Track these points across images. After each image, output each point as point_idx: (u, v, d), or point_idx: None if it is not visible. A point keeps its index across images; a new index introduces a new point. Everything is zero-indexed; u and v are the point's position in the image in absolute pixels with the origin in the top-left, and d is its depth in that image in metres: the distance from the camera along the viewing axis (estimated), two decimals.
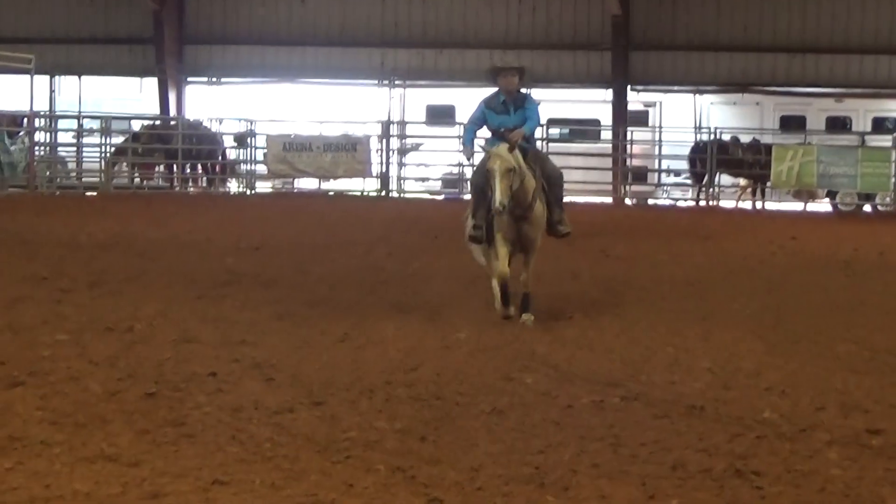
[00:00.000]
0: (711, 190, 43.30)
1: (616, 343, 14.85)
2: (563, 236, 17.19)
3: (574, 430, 10.58)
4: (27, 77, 42.37)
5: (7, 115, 42.66)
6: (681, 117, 47.04)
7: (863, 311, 17.74)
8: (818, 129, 45.19)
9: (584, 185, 43.54)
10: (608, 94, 46.55)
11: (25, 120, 42.52)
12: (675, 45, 46.79)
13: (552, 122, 45.74)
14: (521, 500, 8.62)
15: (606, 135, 46.54)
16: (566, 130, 47.43)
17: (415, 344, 14.41)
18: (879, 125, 45.89)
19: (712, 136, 43.50)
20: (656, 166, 47.04)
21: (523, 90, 17.19)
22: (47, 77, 48.46)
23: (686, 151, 44.81)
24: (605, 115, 46.72)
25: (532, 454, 9.78)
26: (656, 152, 46.77)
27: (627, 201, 43.63)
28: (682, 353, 14.21)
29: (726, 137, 43.59)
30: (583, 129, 47.49)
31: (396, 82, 48.27)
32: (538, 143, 22.49)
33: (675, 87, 47.45)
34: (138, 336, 14.39)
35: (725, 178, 44.13)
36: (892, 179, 40.68)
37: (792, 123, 46.21)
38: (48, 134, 45.15)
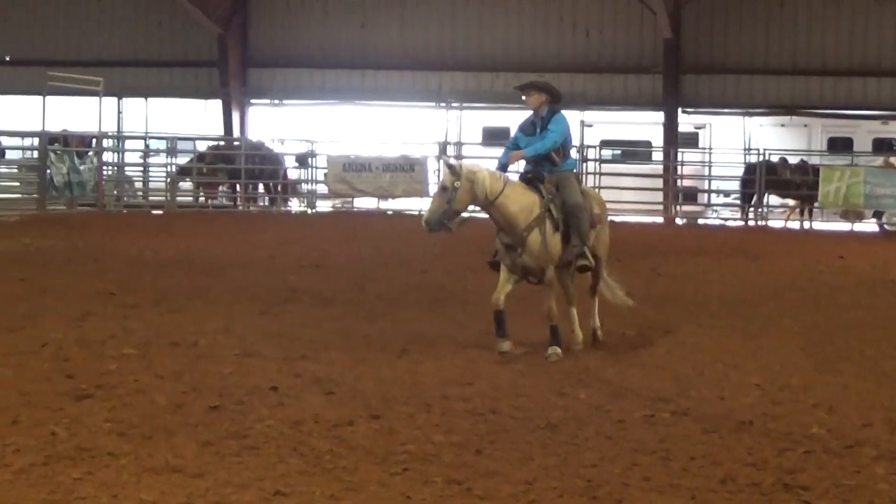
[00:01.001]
0: (760, 210, 43.12)
1: (667, 359, 14.84)
2: (581, 270, 15.82)
3: (626, 443, 10.58)
4: (96, 99, 42.66)
5: (76, 136, 42.92)
6: (730, 139, 46.95)
7: None
8: (865, 151, 45.03)
9: (636, 205, 43.54)
10: (660, 116, 46.49)
11: (94, 140, 42.78)
12: (725, 68, 46.74)
13: (605, 144, 46.09)
14: None
15: (658, 156, 46.49)
16: (619, 151, 47.39)
17: (471, 359, 14.43)
18: None
19: (761, 158, 43.30)
20: (706, 187, 46.91)
21: (558, 108, 15.75)
22: (115, 99, 48.74)
23: (735, 172, 44.82)
24: (657, 137, 46.69)
25: (585, 467, 9.79)
26: (706, 173, 46.61)
27: (678, 221, 43.48)
28: (732, 370, 14.18)
29: (775, 159, 43.38)
30: (635, 151, 47.49)
31: (453, 104, 48.34)
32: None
33: (725, 110, 47.40)
34: (202, 351, 14.45)
35: (774, 199, 43.91)
36: None
37: (839, 145, 46.07)
38: (116, 154, 45.37)
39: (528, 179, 15.51)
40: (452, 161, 15.65)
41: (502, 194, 15.03)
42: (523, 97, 15.82)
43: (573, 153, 16.19)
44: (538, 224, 15.00)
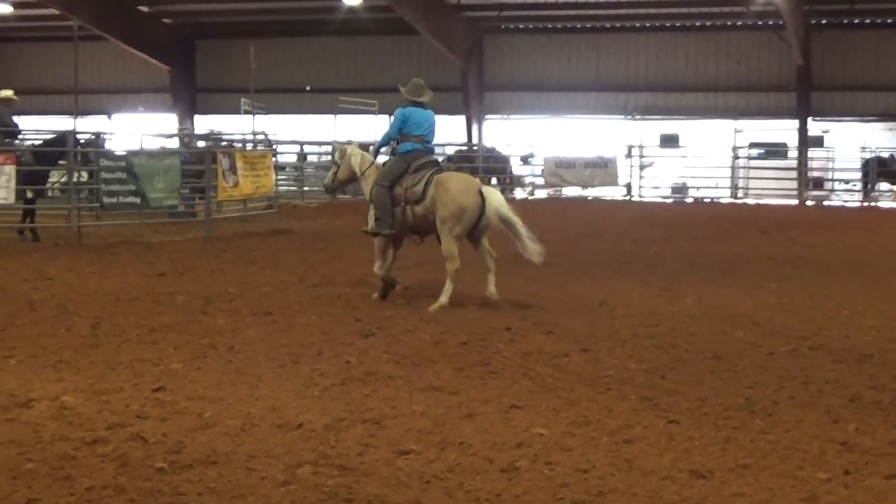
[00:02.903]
0: (873, 194, 42.20)
1: (804, 306, 14.54)
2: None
3: (774, 371, 10.37)
4: (373, 116, 43.23)
5: (363, 145, 43.49)
6: (849, 140, 46.06)
7: None
8: None
9: (776, 191, 43.06)
10: (794, 123, 45.67)
11: (371, 147, 43.27)
12: (845, 86, 45.78)
13: (752, 145, 45.82)
14: (737, 422, 8.47)
15: (793, 153, 45.76)
16: (762, 151, 46.80)
17: (654, 307, 14.28)
18: None
19: (873, 154, 42.44)
20: (830, 177, 46.12)
21: (407, 106, 15.11)
22: (386, 116, 49.19)
23: (853, 165, 44.36)
24: (792, 139, 45.93)
25: (743, 388, 9.62)
26: (830, 166, 45.88)
27: (808, 203, 42.63)
28: (855, 315, 13.84)
29: (885, 155, 42.48)
30: (775, 150, 46.81)
31: (636, 116, 48.05)
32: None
33: (845, 118, 46.50)
34: (454, 301, 14.32)
35: (884, 185, 42.95)
36: None
37: None
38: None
39: None
40: (342, 144, 16.29)
41: (364, 174, 15.64)
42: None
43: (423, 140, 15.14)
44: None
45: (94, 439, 7.83)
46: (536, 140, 46.79)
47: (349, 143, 16.55)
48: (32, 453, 7.49)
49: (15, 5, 49.96)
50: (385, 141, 15.55)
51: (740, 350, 11.42)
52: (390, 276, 14.93)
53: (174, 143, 38.48)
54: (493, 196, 14.57)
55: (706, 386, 9.70)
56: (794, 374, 10.25)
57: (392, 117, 15.26)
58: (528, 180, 46.19)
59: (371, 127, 43.69)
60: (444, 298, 14.00)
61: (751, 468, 7.34)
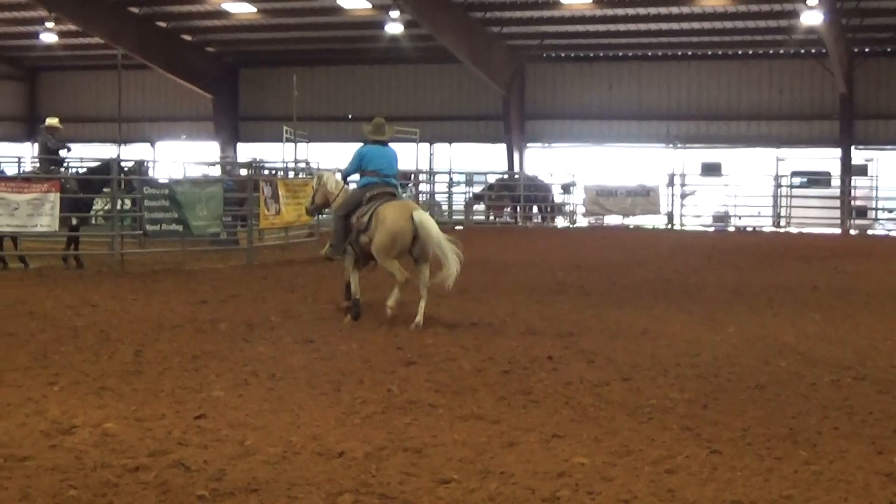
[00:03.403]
0: None
1: (848, 336, 14.41)
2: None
3: (818, 401, 10.29)
4: (414, 144, 43.26)
5: (399, 172, 43.55)
6: (893, 169, 45.80)
7: None
8: None
9: (819, 220, 42.84)
10: (837, 152, 45.50)
11: (412, 174, 43.36)
12: (889, 115, 45.55)
13: (795, 174, 45.58)
14: (780, 452, 8.41)
15: (836, 182, 45.53)
16: (805, 180, 46.58)
17: (696, 336, 14.20)
18: None
19: None
20: (874, 205, 45.84)
21: (365, 144, 16.18)
22: (427, 144, 49.38)
23: None
24: (835, 168, 45.73)
25: (786, 419, 9.54)
26: (874, 195, 45.60)
27: (852, 232, 42.38)
28: None
29: None
30: (818, 178, 46.59)
31: (679, 145, 47.91)
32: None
33: (889, 147, 46.24)
34: (496, 329, 14.47)
35: None
36: None
37: None
38: (428, 185, 45.88)
39: None
40: (321, 171, 17.45)
41: (335, 199, 16.47)
42: None
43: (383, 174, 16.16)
44: None
45: (136, 466, 7.85)
46: (578, 168, 46.84)
47: (330, 171, 17.34)
48: (75, 480, 7.52)
49: (60, 34, 50.49)
50: (343, 177, 16.62)
51: (783, 380, 11.33)
52: (356, 296, 15.71)
53: (217, 171, 38.67)
54: (428, 224, 15.28)
55: (749, 416, 9.63)
56: (837, 404, 10.17)
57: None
58: (569, 209, 46.21)
59: (412, 155, 43.77)
60: (390, 301, 15.08)
61: (794, 499, 7.28)
